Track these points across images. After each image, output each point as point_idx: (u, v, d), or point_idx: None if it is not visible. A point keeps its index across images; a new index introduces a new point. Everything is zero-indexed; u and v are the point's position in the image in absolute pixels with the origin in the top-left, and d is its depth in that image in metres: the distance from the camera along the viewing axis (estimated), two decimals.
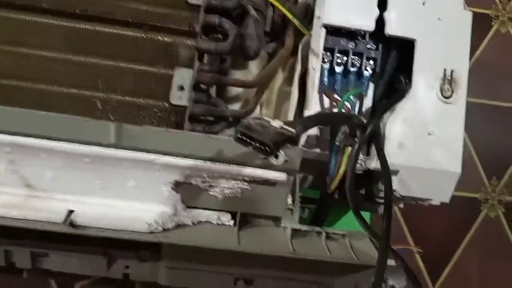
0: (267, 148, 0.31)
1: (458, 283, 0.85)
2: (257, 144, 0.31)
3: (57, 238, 0.53)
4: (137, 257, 0.56)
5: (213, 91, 0.47)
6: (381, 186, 0.48)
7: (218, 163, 0.41)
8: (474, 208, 0.87)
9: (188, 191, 0.44)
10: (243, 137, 0.31)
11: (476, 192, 0.87)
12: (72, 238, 0.53)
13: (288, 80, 0.50)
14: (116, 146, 0.39)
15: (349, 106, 0.43)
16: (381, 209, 0.62)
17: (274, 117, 0.50)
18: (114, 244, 0.55)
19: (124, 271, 0.56)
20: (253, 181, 0.43)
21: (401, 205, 0.55)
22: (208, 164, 0.41)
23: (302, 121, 0.39)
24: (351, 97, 0.44)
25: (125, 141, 0.39)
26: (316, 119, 0.39)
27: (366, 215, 0.80)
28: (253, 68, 0.50)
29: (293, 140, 0.34)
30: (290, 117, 0.48)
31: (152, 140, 0.39)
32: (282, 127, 0.32)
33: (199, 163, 0.41)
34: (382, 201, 0.58)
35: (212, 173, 0.42)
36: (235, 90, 0.49)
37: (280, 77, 0.51)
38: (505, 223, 0.88)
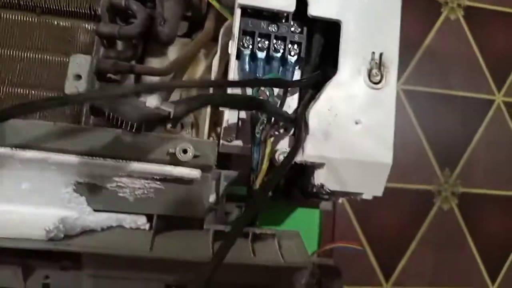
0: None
1: (411, 278, 0.83)
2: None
3: None
4: (58, 266, 0.52)
5: (130, 79, 0.43)
6: (313, 181, 0.45)
7: (120, 160, 0.37)
8: (427, 200, 0.85)
9: (94, 193, 0.40)
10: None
11: (429, 184, 0.85)
12: None
13: (211, 68, 0.46)
14: (1, 143, 0.35)
15: (267, 93, 0.39)
16: (323, 205, 0.60)
17: None
18: (31, 253, 0.51)
19: (44, 281, 0.51)
20: (164, 179, 0.39)
21: (340, 201, 0.51)
22: (110, 162, 0.37)
23: (184, 101, 0.35)
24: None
25: (10, 137, 0.35)
26: (202, 100, 0.34)
27: (315, 212, 0.77)
28: (172, 55, 0.46)
29: (172, 120, 0.30)
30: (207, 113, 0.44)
31: (41, 135, 0.35)
32: (157, 107, 0.28)
33: (98, 160, 0.36)
34: (325, 196, 0.56)
35: (116, 171, 0.38)
36: (150, 79, 0.45)
37: (202, 64, 0.47)
38: (459, 215, 0.86)
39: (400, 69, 0.42)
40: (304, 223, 0.63)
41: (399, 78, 0.44)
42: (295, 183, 0.53)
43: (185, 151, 0.36)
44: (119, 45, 0.43)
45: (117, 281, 0.51)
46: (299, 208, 0.67)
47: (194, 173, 0.38)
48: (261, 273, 0.48)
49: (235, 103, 0.35)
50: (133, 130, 0.28)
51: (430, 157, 0.86)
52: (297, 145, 0.39)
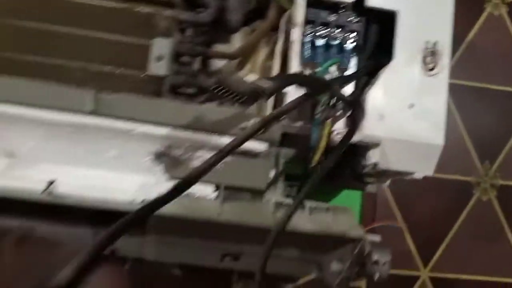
0: (240, 98, 0.31)
1: (448, 265, 0.86)
2: (231, 95, 0.31)
3: (42, 213, 0.54)
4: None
5: (196, 63, 0.47)
6: (365, 161, 0.48)
7: (198, 132, 0.41)
8: (466, 191, 0.87)
9: (170, 162, 0.44)
10: (217, 88, 0.32)
11: (468, 176, 0.87)
12: (57, 213, 0.53)
13: (271, 55, 0.50)
14: (94, 114, 0.39)
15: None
16: (368, 188, 0.63)
17: None
18: (100, 219, 0.56)
19: (111, 246, 0.56)
20: (234, 151, 0.43)
21: (387, 183, 0.55)
22: (188, 134, 0.41)
23: (276, 78, 0.39)
24: (332, 69, 0.45)
25: (103, 108, 0.39)
26: (291, 79, 0.38)
27: (357, 197, 0.80)
28: (236, 42, 0.50)
29: (266, 96, 0.34)
30: None
31: (130, 108, 0.40)
32: (255, 82, 0.32)
33: (179, 132, 0.41)
34: (370, 179, 0.59)
35: (192, 143, 0.42)
36: (218, 63, 0.49)
37: (263, 51, 0.51)
38: (497, 207, 0.88)
39: None
40: (347, 199, 0.66)
41: None
42: (344, 165, 0.57)
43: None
44: (191, 31, 0.47)
45: (178, 248, 0.56)
46: (341, 192, 0.70)
47: (262, 147, 0.42)
48: (316, 241, 0.51)
49: (312, 83, 0.39)
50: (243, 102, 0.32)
51: (471, 149, 0.88)
52: (355, 126, 0.43)
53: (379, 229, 0.56)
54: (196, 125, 0.41)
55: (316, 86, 0.40)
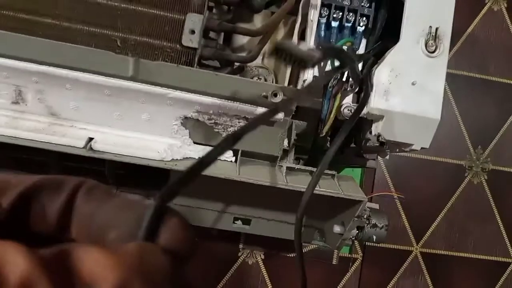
0: (303, 62, 0.36)
1: (439, 242, 0.91)
2: (294, 57, 0.36)
3: (76, 174, 0.58)
4: (146, 195, 0.62)
5: (220, 39, 0.52)
6: (368, 135, 0.53)
7: (224, 100, 0.46)
8: (459, 174, 0.92)
9: (195, 128, 0.49)
10: (280, 51, 0.36)
11: (461, 160, 0.93)
12: (89, 174, 0.58)
13: (289, 34, 0.55)
14: (133, 79, 0.44)
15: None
16: (369, 163, 0.68)
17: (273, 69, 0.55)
18: (124, 182, 0.61)
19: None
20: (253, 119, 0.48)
21: (387, 157, 0.60)
22: (214, 100, 0.46)
23: (323, 49, 0.44)
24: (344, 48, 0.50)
25: (141, 74, 0.44)
26: (334, 51, 0.43)
27: (357, 173, 0.85)
28: (257, 23, 0.55)
29: (316, 63, 0.39)
30: (287, 69, 0.53)
31: (165, 75, 0.44)
32: (309, 49, 0.37)
33: (206, 99, 0.46)
34: (372, 154, 0.64)
35: (217, 109, 0.47)
36: (240, 41, 0.54)
37: (282, 31, 0.56)
38: (487, 189, 0.93)
39: None
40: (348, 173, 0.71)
41: None
42: (350, 141, 0.62)
43: (275, 95, 0.45)
44: (219, 9, 0.52)
45: (194, 210, 0.61)
46: (342, 171, 0.75)
47: (279, 115, 0.47)
48: (323, 202, 0.57)
49: (344, 57, 0.44)
50: (306, 65, 0.36)
51: (465, 135, 0.93)
52: (364, 100, 0.48)
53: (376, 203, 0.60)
54: (223, 94, 0.45)
55: (345, 60, 0.45)
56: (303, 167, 0.52)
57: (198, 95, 0.46)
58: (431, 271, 0.90)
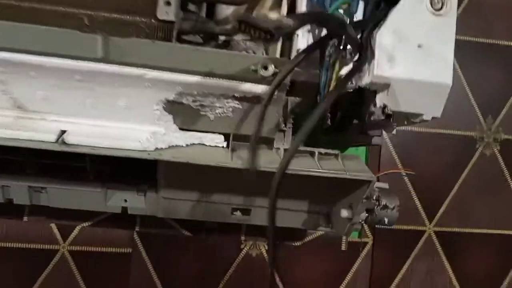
0: (268, 35, 0.31)
1: (453, 219, 0.87)
2: (258, 32, 0.31)
3: (55, 172, 0.54)
4: (135, 190, 0.57)
5: (203, 12, 0.47)
6: (372, 108, 0.48)
7: (208, 77, 0.41)
8: (469, 146, 0.88)
9: (180, 112, 0.44)
10: (243, 25, 0.31)
11: (471, 131, 0.88)
12: (69, 171, 0.54)
13: (278, 3, 0.50)
14: (104, 60, 0.39)
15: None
16: (375, 140, 0.63)
17: None
18: (111, 178, 0.56)
19: (123, 204, 0.57)
20: (243, 98, 0.43)
21: (394, 132, 0.55)
22: (198, 79, 0.41)
23: (299, 16, 0.39)
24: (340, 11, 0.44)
25: (113, 54, 0.39)
26: (313, 17, 0.38)
27: (361, 152, 0.80)
28: None
29: (288, 34, 0.34)
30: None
31: (140, 53, 0.39)
32: (279, 19, 0.32)
33: (188, 77, 0.41)
34: (376, 132, 0.59)
35: (202, 88, 0.42)
36: (224, 12, 0.48)
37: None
38: (500, 160, 0.88)
39: None
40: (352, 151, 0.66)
41: None
42: (352, 117, 0.57)
43: (265, 68, 0.40)
44: None
45: (188, 203, 0.57)
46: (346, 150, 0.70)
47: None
48: (325, 189, 0.52)
49: (330, 21, 0.39)
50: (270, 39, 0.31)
51: (474, 104, 0.88)
52: (360, 63, 0.43)
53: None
54: (206, 71, 0.40)
55: (334, 25, 0.39)
56: (302, 148, 0.48)
57: (179, 73, 0.41)
58: (446, 250, 0.86)
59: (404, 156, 0.83)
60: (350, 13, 0.46)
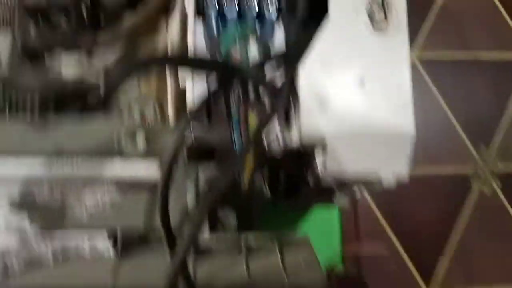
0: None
1: (458, 277, 0.74)
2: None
3: None
4: None
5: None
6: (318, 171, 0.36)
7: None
8: (463, 186, 0.76)
9: (38, 210, 0.32)
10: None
11: (462, 165, 0.77)
12: None
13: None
14: None
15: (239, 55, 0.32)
16: (339, 202, 0.51)
17: None
18: None
19: None
20: (120, 184, 0.30)
21: (358, 197, 0.43)
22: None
23: (118, 69, 0.26)
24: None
25: None
26: (136, 66, 0.26)
27: (334, 210, 0.68)
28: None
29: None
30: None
31: None
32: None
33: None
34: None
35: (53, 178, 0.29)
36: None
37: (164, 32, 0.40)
38: (503, 198, 0.77)
39: (412, 35, 0.33)
40: (322, 222, 0.57)
41: (410, 46, 0.36)
42: (299, 180, 0.45)
43: (133, 136, 0.27)
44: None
45: None
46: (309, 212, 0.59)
47: (151, 171, 0.29)
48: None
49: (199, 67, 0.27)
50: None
51: (461, 133, 0.77)
52: (273, 109, 0.31)
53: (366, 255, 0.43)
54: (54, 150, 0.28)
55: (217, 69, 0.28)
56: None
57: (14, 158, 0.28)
58: None
59: (386, 208, 0.71)
60: (264, 43, 0.35)
